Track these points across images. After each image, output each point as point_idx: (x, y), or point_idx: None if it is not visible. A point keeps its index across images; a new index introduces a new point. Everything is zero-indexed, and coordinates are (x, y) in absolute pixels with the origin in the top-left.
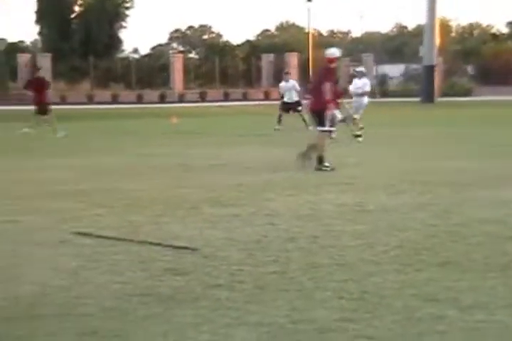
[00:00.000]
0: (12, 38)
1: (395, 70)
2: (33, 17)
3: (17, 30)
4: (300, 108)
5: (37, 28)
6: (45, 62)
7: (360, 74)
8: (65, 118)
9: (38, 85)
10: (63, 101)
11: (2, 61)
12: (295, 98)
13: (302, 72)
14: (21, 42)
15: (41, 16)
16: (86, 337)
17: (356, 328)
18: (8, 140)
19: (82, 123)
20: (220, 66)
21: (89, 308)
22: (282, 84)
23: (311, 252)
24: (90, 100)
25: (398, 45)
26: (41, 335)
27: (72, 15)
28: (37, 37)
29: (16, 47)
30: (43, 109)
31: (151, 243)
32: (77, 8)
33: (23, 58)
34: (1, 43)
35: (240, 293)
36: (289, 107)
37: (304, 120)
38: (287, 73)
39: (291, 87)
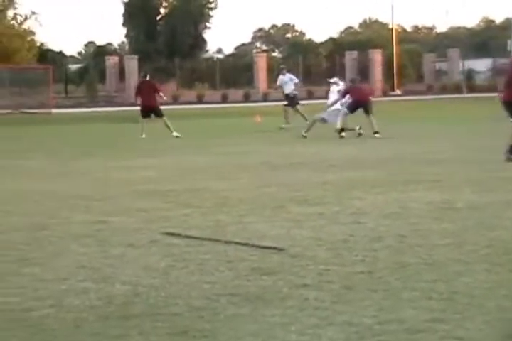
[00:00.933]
0: (100, 41)
1: (481, 65)
2: (120, 20)
3: (105, 33)
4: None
5: (124, 31)
6: (132, 63)
7: None
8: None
9: (145, 89)
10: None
11: (91, 64)
12: (294, 91)
13: (386, 68)
14: (109, 44)
15: (128, 19)
16: (177, 337)
17: (446, 329)
18: (97, 139)
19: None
20: (303, 64)
21: (179, 308)
22: (280, 77)
23: (399, 251)
24: (176, 100)
25: (485, 39)
26: (135, 334)
27: (158, 17)
28: (124, 39)
29: (104, 50)
30: (154, 112)
31: (237, 243)
32: (162, 10)
33: (111, 61)
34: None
35: (327, 293)
36: (294, 101)
37: (302, 115)
38: (283, 68)
39: (288, 80)
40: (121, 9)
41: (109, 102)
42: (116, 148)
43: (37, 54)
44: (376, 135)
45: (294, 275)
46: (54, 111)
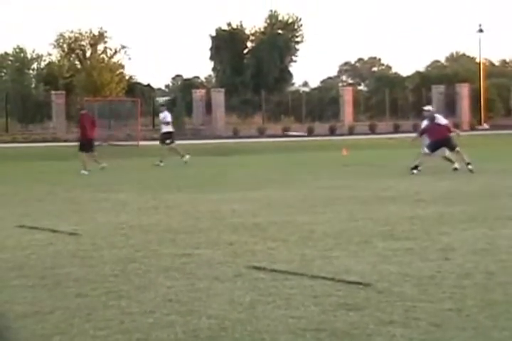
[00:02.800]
0: (187, 74)
1: None
2: (208, 53)
3: (192, 67)
4: None
5: (211, 64)
6: (218, 96)
7: None
8: (239, 151)
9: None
10: (236, 134)
11: (178, 97)
12: None
13: (474, 102)
14: (196, 77)
15: (215, 52)
16: None
17: None
18: (184, 172)
19: (254, 156)
20: (389, 98)
21: None
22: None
23: (488, 289)
24: (262, 133)
25: None
26: None
27: (245, 51)
28: (211, 72)
29: (191, 83)
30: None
31: (323, 277)
32: (249, 44)
33: (198, 94)
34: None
35: (414, 330)
36: None
37: None
38: None
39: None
40: (209, 43)
41: (196, 135)
42: (203, 181)
43: (126, 87)
44: (469, 166)
45: (380, 312)
46: (141, 143)
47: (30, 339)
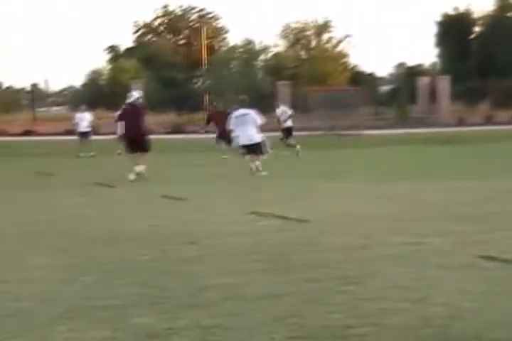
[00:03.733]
0: (411, 62)
1: None
2: (433, 40)
3: (416, 54)
4: None
5: (436, 51)
6: (443, 84)
7: None
8: (463, 139)
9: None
10: (461, 122)
11: (401, 85)
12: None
13: None
14: (420, 65)
15: (441, 39)
16: None
17: None
18: (409, 161)
19: (479, 144)
20: None
21: (503, 334)
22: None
23: None
24: (489, 121)
25: None
26: None
27: (471, 36)
28: (436, 59)
29: (415, 71)
30: None
31: None
32: (477, 29)
33: (422, 81)
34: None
35: None
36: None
37: None
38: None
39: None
40: (434, 29)
41: (420, 123)
42: (428, 169)
43: (349, 76)
44: None
45: None
46: (365, 132)
47: (267, 320)
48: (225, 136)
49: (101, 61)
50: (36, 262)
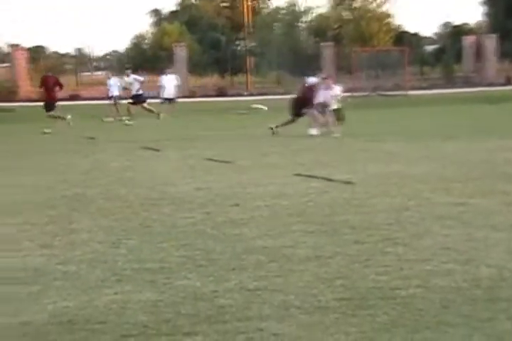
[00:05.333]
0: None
1: None
2: None
3: (462, 13)
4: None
5: (482, 9)
6: (490, 43)
7: None
8: (510, 100)
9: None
10: (508, 81)
11: (447, 45)
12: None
13: None
14: (466, 24)
15: None
16: None
17: None
18: (454, 121)
19: None
20: None
21: None
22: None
23: None
24: None
25: None
26: (503, 319)
27: None
28: (482, 18)
29: (460, 30)
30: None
31: None
32: None
33: (468, 41)
34: None
35: None
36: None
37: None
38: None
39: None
40: None
41: (466, 83)
42: (474, 129)
43: (393, 36)
44: None
45: None
46: (410, 92)
47: (314, 281)
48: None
49: (144, 25)
50: (83, 225)
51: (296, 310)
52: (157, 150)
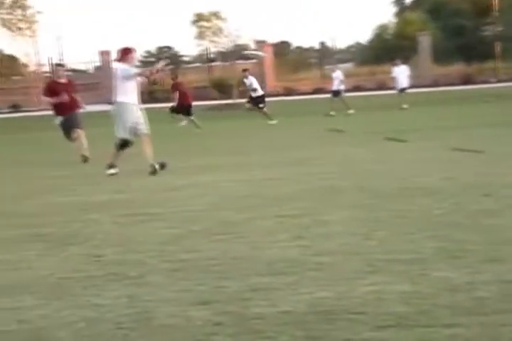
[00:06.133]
0: None
1: None
2: None
3: None
4: None
5: None
6: None
7: None
8: None
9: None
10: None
11: None
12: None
13: None
14: None
15: None
16: None
17: None
18: None
19: None
20: None
21: None
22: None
23: None
24: None
25: None
26: None
27: None
28: None
29: None
30: None
31: None
32: None
33: None
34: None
35: None
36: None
37: None
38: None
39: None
40: None
41: None
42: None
43: None
44: None
45: None
46: None
47: None
48: None
49: (387, 15)
50: (334, 217)
51: None
52: (403, 141)
